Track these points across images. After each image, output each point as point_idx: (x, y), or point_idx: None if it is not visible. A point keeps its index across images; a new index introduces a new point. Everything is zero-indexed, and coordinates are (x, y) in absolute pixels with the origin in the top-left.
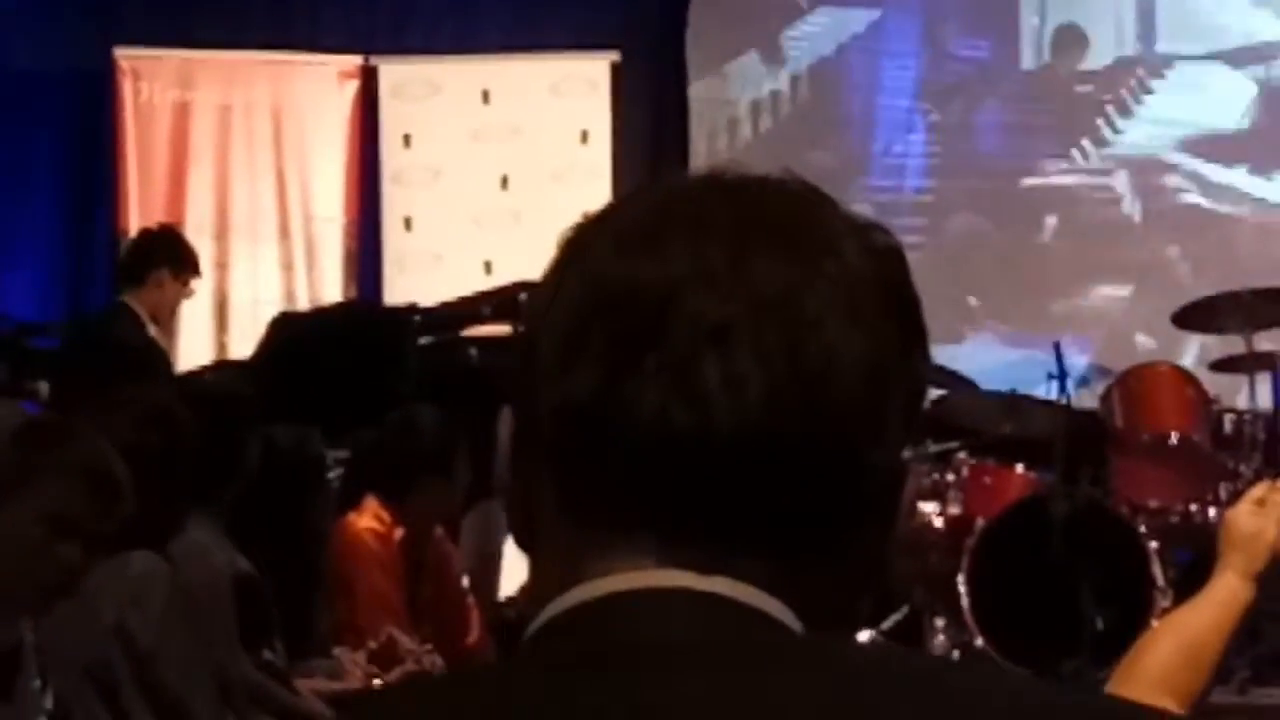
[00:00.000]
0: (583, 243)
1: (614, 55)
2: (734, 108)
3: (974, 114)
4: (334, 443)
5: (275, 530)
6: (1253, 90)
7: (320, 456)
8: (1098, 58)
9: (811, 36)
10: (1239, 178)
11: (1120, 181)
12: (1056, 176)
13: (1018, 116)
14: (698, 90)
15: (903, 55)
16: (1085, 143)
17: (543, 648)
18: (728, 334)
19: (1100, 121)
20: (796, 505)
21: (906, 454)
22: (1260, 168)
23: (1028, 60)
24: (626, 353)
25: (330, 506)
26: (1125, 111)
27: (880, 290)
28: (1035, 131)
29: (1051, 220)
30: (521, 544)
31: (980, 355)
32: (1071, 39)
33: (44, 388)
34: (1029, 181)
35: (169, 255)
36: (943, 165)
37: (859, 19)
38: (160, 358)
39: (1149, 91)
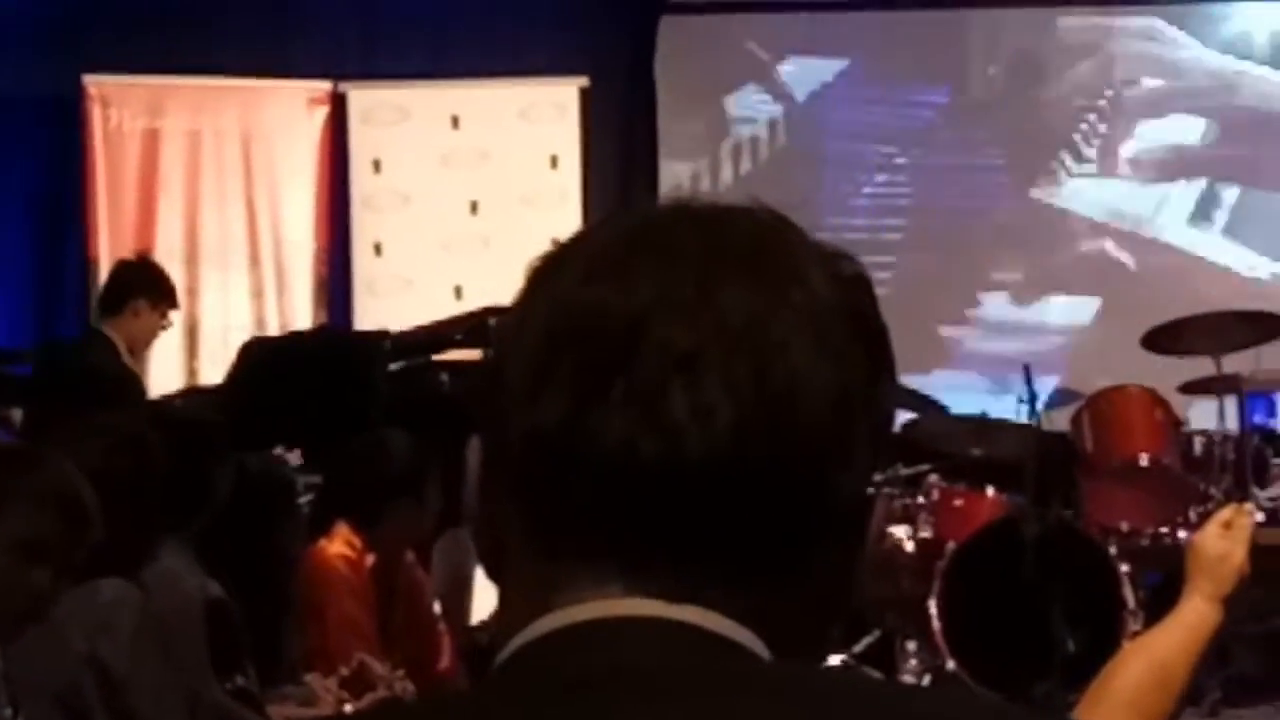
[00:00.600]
0: (551, 270)
1: (583, 80)
2: (712, 150)
3: (937, 156)
4: (305, 468)
5: (244, 556)
6: (1208, 123)
7: (290, 482)
8: (1055, 94)
9: (783, 84)
10: (1196, 208)
11: (1080, 214)
12: (1018, 213)
13: (978, 157)
14: (672, 125)
15: (869, 101)
16: (1043, 180)
17: (512, 676)
18: (696, 363)
19: (1058, 159)
20: (764, 533)
21: (875, 478)
22: (1216, 198)
23: (985, 103)
24: (594, 381)
25: (300, 532)
26: (1079, 152)
27: (847, 318)
28: (996, 170)
29: (1014, 255)
30: (490, 572)
31: (946, 389)
32: (1028, 79)
33: (17, 415)
34: (991, 218)
35: (147, 286)
36: (910, 205)
37: (828, 68)
38: (135, 386)
39: (1100, 135)
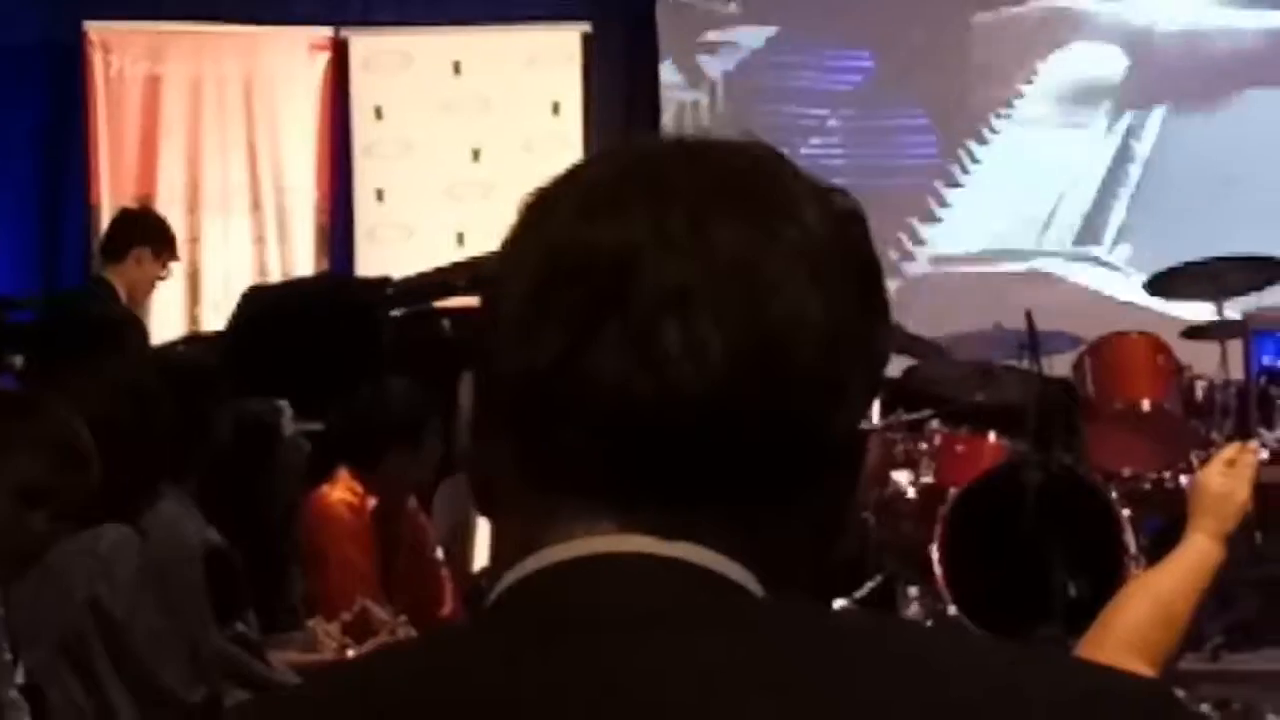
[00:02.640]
0: (543, 208)
1: (585, 26)
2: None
3: (866, 119)
4: (306, 415)
5: (232, 500)
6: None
7: (271, 425)
8: (974, 70)
9: (720, 52)
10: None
11: (996, 179)
12: (944, 177)
13: (903, 120)
14: (673, 71)
15: (797, 67)
16: (970, 143)
17: (504, 614)
18: (688, 299)
19: (980, 125)
20: (757, 470)
21: (879, 422)
22: (1129, 151)
23: (909, 68)
24: (587, 318)
25: (290, 475)
26: (1002, 115)
27: (840, 253)
28: (922, 132)
29: (942, 217)
30: (483, 509)
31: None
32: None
33: (19, 362)
34: (921, 181)
35: (151, 234)
36: (843, 167)
37: (759, 35)
38: (139, 331)
39: (1021, 96)
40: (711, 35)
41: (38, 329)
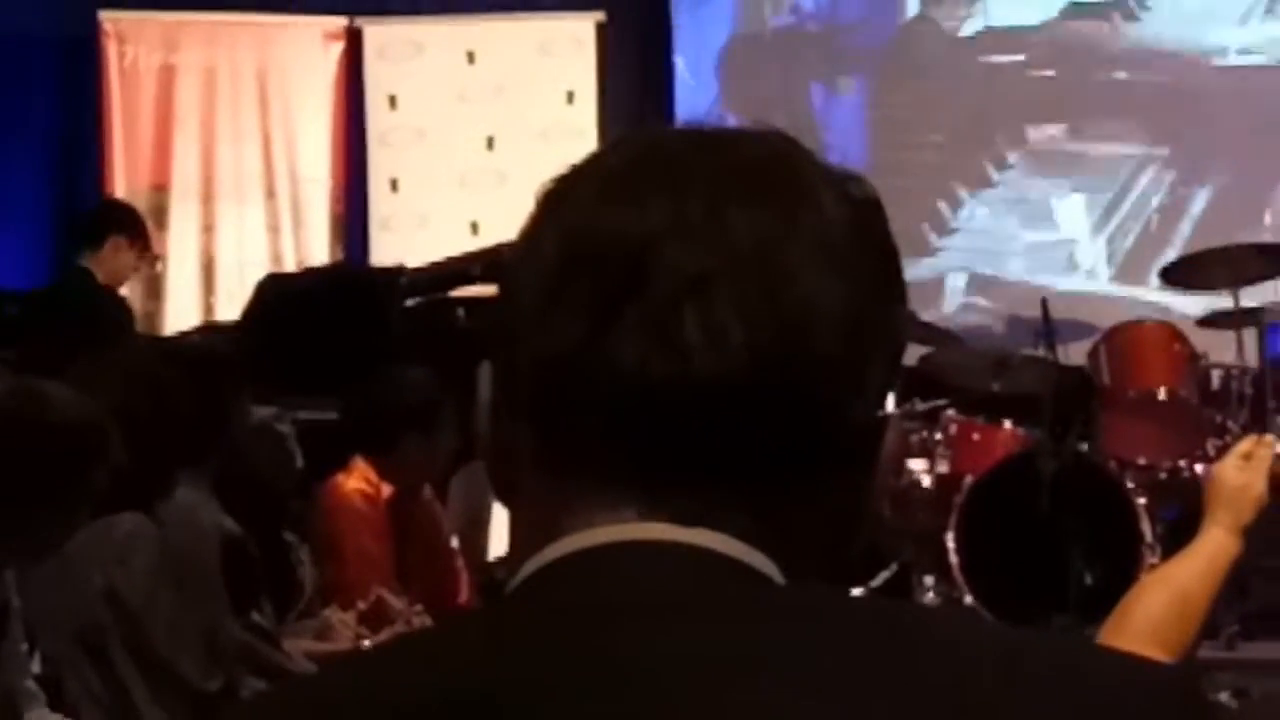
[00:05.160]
0: (562, 195)
1: (599, 15)
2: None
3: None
4: (320, 404)
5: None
6: None
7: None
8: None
9: None
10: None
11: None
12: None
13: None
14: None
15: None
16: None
17: (524, 602)
18: (707, 285)
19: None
20: (777, 455)
21: (894, 411)
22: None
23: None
24: (606, 305)
25: (276, 463)
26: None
27: (858, 239)
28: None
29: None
30: (502, 497)
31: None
32: None
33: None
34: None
35: (125, 223)
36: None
37: None
38: (123, 313)
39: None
40: None
41: (27, 320)
